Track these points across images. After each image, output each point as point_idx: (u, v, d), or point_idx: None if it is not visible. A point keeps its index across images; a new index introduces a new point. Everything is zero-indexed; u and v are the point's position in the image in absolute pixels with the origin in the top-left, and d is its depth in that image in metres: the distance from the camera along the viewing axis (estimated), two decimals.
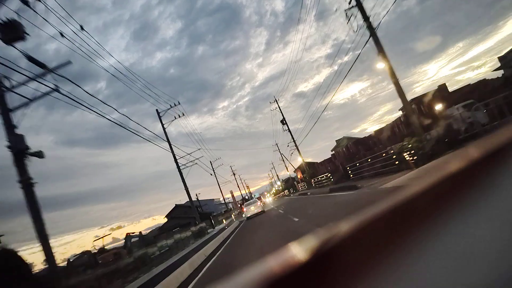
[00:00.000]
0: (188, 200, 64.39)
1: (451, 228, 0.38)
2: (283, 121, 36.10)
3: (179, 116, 22.18)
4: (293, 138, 35.70)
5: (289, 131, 35.90)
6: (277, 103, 36.23)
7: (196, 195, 69.22)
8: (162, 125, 21.51)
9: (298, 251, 0.34)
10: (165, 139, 21.41)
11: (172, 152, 21.24)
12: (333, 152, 43.12)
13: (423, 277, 0.35)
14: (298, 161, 37.42)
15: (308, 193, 22.95)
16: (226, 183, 49.34)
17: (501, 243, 0.38)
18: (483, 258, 0.37)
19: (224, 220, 26.07)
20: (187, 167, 22.12)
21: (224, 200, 49.71)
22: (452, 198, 0.40)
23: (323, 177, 24.26)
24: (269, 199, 66.24)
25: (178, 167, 21.54)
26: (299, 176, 41.96)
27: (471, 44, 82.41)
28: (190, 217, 56.29)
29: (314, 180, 29.58)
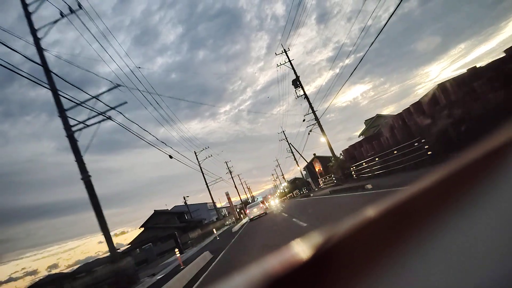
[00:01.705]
0: (182, 204, 50.79)
1: (451, 228, 0.38)
2: (296, 82, 23.70)
3: (71, 11, 9.78)
4: (312, 108, 23.31)
5: (306, 97, 23.52)
6: (286, 54, 23.87)
7: (184, 198, 56.63)
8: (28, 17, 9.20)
9: (298, 250, 0.34)
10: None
11: (51, 86, 8.86)
12: (362, 136, 30.79)
13: (423, 277, 0.34)
14: (320, 145, 25.61)
15: (368, 186, 10.38)
16: (216, 182, 36.58)
17: (501, 243, 0.37)
18: (483, 258, 0.36)
19: (177, 251, 12.85)
20: (87, 125, 9.69)
21: (214, 205, 37.12)
22: (452, 198, 0.39)
23: (391, 154, 11.70)
24: (275, 201, 53.40)
25: (64, 122, 9.17)
26: (317, 169, 29.58)
27: (473, 45, 79.85)
28: (171, 226, 43.64)
29: (353, 168, 17.16)
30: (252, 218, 23.61)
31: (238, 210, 61.97)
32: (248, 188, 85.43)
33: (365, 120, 34.58)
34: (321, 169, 29.77)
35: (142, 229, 43.21)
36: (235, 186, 51.58)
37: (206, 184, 35.11)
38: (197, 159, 35.32)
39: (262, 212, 23.44)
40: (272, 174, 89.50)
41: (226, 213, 54.88)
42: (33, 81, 7.85)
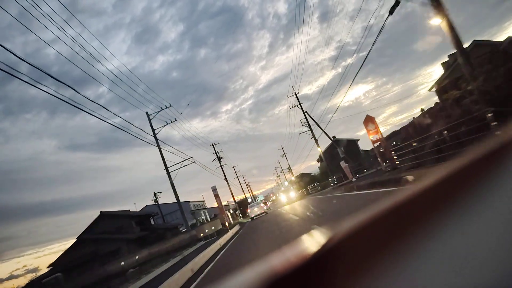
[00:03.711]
0: (156, 203, 36.45)
1: (450, 229, 0.38)
2: None
3: None
4: None
5: None
6: None
7: (155, 195, 41.54)
8: None
9: (299, 250, 0.34)
10: None
11: None
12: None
13: (423, 278, 0.34)
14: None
15: None
16: (184, 166, 21.82)
17: (500, 244, 0.37)
18: (482, 259, 0.36)
19: None
20: None
21: (178, 201, 21.58)
22: (452, 199, 0.39)
23: None
24: (288, 196, 32.32)
25: None
26: (370, 136, 14.66)
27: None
28: (121, 238, 28.63)
29: None
30: (253, 217, 24.54)
31: (231, 212, 47.01)
32: (247, 185, 70.45)
33: (449, 55, 19.67)
34: (381, 137, 14.91)
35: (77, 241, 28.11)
36: (225, 179, 36.59)
37: (166, 166, 20.15)
38: (151, 126, 20.40)
39: (262, 212, 24.38)
40: (276, 168, 74.70)
41: (206, 218, 39.67)
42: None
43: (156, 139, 20.08)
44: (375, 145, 15.25)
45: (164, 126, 20.62)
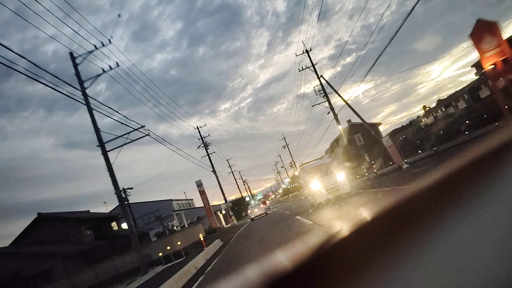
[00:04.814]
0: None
1: (450, 229, 0.37)
2: None
3: None
4: None
5: None
6: None
7: (124, 193, 33.35)
8: None
9: (298, 251, 0.33)
10: None
11: None
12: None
13: (423, 278, 0.34)
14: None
15: None
16: (131, 140, 14.21)
17: (500, 244, 0.37)
18: (482, 259, 0.36)
19: None
20: None
21: (126, 212, 13.49)
22: (452, 198, 0.39)
23: None
24: (317, 184, 11.51)
25: None
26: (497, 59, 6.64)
27: None
28: (58, 253, 19.80)
29: None
30: (253, 217, 23.74)
31: (223, 213, 38.97)
32: (244, 182, 62.45)
33: None
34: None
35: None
36: (213, 171, 28.55)
37: (100, 141, 12.11)
38: (77, 76, 12.34)
39: (262, 212, 23.46)
40: (276, 163, 66.78)
41: (184, 224, 31.35)
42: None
43: (85, 95, 12.04)
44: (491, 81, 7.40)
45: (98, 76, 12.56)
